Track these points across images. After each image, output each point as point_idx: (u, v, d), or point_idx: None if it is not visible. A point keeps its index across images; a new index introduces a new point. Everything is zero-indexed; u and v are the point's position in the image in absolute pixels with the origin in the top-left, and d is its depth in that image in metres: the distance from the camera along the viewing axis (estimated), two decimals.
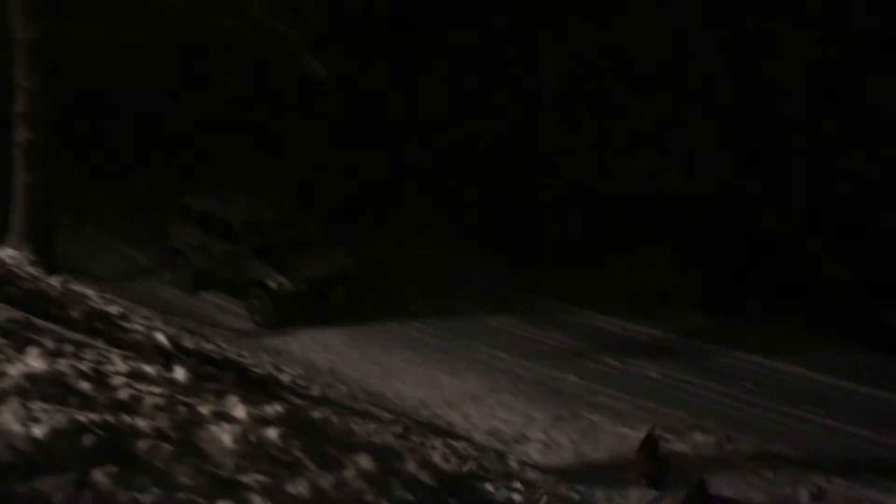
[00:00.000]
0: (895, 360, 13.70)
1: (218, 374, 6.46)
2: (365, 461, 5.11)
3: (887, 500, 9.06)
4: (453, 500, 5.38)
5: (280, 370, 10.66)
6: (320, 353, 13.63)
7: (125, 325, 7.82)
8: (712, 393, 12.37)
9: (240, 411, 5.08)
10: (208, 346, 9.56)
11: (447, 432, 10.18)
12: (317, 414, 6.89)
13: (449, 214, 19.37)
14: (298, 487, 4.17)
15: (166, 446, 3.98)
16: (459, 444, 9.35)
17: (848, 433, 11.09)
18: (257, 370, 8.94)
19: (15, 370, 4.36)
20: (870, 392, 12.55)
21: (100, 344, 6.00)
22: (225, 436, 4.50)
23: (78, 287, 9.92)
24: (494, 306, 15.97)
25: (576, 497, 8.54)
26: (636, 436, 10.53)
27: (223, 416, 4.86)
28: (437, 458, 7.32)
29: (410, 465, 5.74)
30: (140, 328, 7.90)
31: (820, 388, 12.73)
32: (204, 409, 4.86)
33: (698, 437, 10.61)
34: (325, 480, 4.42)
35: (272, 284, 14.85)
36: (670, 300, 16.67)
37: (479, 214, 18.88)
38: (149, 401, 4.68)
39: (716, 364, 13.53)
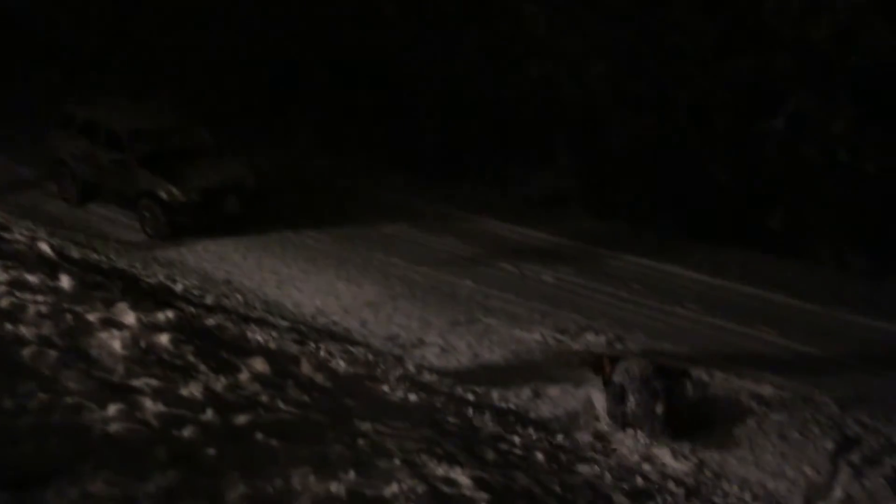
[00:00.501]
0: (774, 261, 14.33)
1: (106, 283, 6.33)
2: (260, 365, 5.13)
3: (760, 389, 9.55)
4: (349, 400, 5.45)
5: (173, 280, 10.52)
6: (215, 263, 13.44)
7: (6, 235, 7.56)
8: (603, 295, 12.70)
9: (129, 318, 5.01)
10: (96, 257, 9.35)
11: (345, 338, 10.28)
12: (211, 321, 6.85)
13: (345, 124, 19.14)
14: (191, 390, 4.16)
15: (52, 353, 3.92)
16: (357, 349, 9.45)
17: (728, 329, 11.55)
18: (149, 280, 8.80)
19: None
20: (750, 291, 13.09)
21: None
22: (114, 342, 4.45)
23: None
24: (391, 214, 15.95)
25: (472, 398, 8.76)
26: (531, 338, 10.86)
27: (112, 323, 4.79)
28: (333, 362, 7.39)
29: (306, 369, 5.79)
30: (22, 239, 7.66)
31: (704, 287, 13.19)
32: (92, 317, 4.77)
33: (590, 337, 10.95)
34: (219, 383, 4.43)
35: (163, 195, 14.44)
36: (564, 206, 16.96)
37: (375, 124, 18.72)
38: (32, 309, 4.57)
39: (607, 267, 13.87)
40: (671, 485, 7.32)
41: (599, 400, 9.03)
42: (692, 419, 8.76)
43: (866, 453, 8.30)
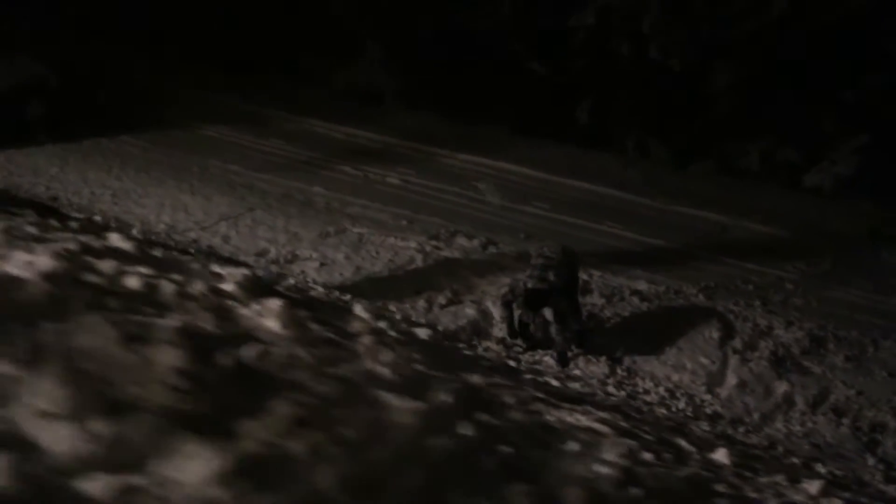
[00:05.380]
0: (587, 153, 14.83)
1: None
2: None
3: (636, 285, 10.07)
4: None
5: None
6: (28, 178, 12.04)
7: None
8: (453, 196, 12.58)
9: None
10: None
11: (217, 256, 9.69)
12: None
13: (152, 18, 17.40)
14: None
15: None
16: (230, 270, 8.92)
17: (580, 226, 11.77)
18: None
19: None
20: (582, 186, 13.49)
21: None
22: None
23: None
24: (205, 115, 14.90)
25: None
26: (409, 246, 10.71)
27: None
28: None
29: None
30: None
31: (540, 184, 13.24)
32: None
33: (463, 242, 10.89)
34: None
35: None
36: (378, 102, 16.64)
37: (181, 19, 17.22)
38: None
39: (444, 166, 13.79)
40: (598, 386, 7.67)
41: (496, 311, 9.13)
42: (591, 325, 9.13)
43: (745, 339, 9.09)
